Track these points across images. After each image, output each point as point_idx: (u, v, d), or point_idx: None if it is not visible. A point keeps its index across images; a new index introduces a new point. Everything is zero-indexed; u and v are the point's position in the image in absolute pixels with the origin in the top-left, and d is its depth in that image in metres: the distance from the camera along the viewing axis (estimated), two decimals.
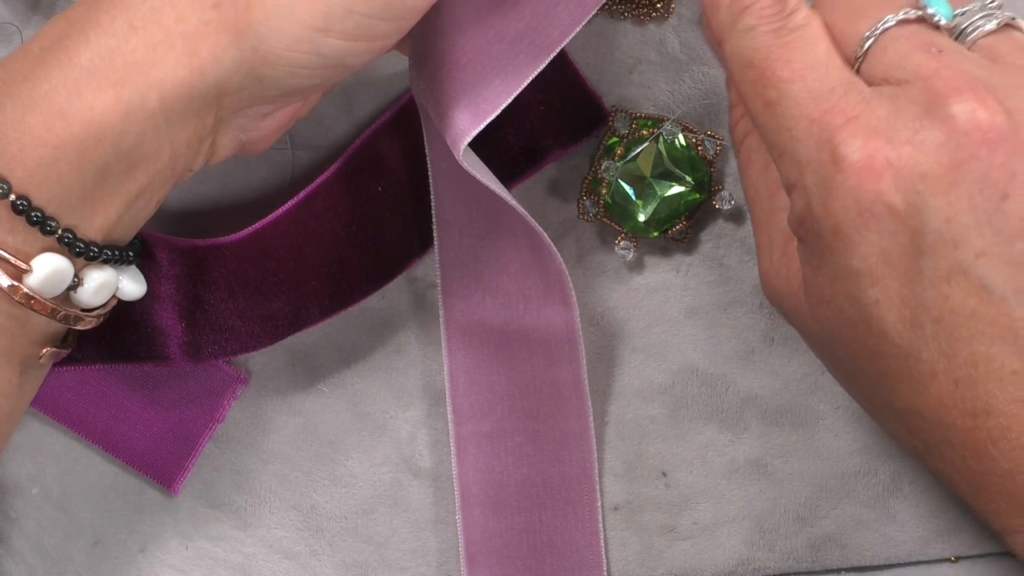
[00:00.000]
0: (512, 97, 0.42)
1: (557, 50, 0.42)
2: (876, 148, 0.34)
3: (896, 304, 0.34)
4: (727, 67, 0.38)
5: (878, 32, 0.36)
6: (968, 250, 0.33)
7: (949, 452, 0.35)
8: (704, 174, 0.49)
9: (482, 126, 0.42)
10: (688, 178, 0.49)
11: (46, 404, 0.50)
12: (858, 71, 0.36)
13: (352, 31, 0.38)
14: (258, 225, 0.48)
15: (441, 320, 0.50)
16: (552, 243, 0.46)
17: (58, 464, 0.51)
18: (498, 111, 0.42)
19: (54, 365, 0.46)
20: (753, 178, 0.41)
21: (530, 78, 0.42)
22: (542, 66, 0.42)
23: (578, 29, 0.42)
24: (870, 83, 0.36)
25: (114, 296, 0.41)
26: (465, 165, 0.42)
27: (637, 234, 0.50)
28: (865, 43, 0.36)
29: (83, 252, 0.38)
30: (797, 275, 0.38)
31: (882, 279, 0.34)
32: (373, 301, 0.50)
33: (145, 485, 0.52)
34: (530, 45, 0.42)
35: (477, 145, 0.43)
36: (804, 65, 0.36)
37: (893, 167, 0.34)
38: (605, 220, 0.50)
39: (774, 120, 0.36)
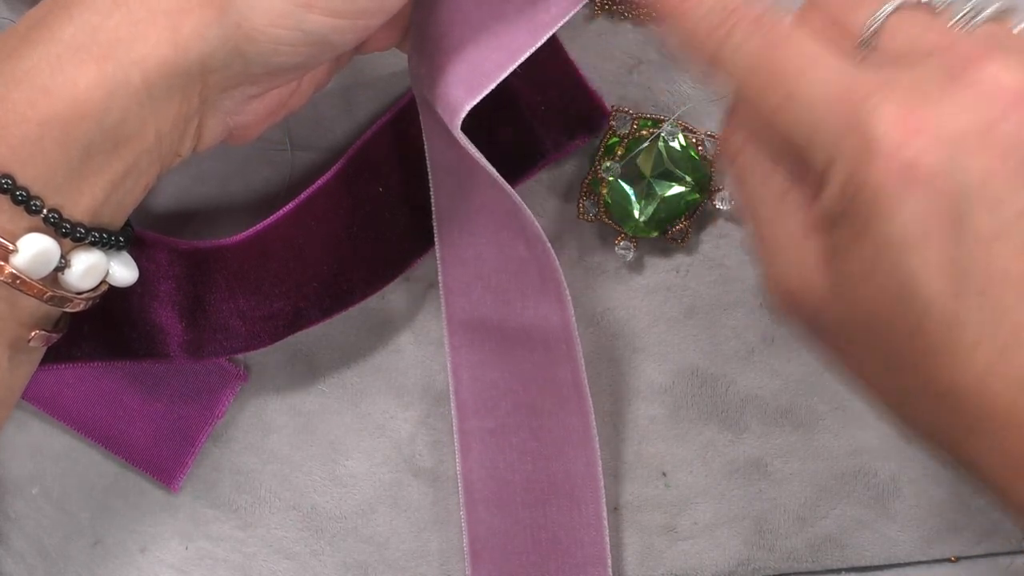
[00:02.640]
0: (510, 70, 0.42)
1: (556, 27, 0.42)
2: (906, 114, 0.34)
3: (938, 272, 0.34)
4: (732, 83, 0.38)
5: (882, 18, 0.36)
6: (1008, 210, 0.33)
7: (991, 432, 0.35)
8: (704, 174, 0.49)
9: (479, 98, 0.42)
10: (688, 178, 0.49)
11: (45, 402, 0.50)
12: (864, 60, 0.36)
13: (335, 7, 0.38)
14: (259, 226, 0.48)
15: (443, 317, 0.50)
16: (547, 240, 0.46)
17: (58, 464, 0.51)
18: (494, 83, 0.42)
19: (52, 363, 0.46)
20: (754, 187, 0.40)
21: (529, 51, 0.42)
22: (540, 42, 0.42)
23: (578, 7, 0.42)
24: (881, 67, 0.36)
25: (105, 282, 0.41)
26: (462, 139, 0.42)
27: (637, 234, 0.50)
28: (869, 28, 0.36)
29: (69, 233, 0.38)
30: (815, 271, 0.37)
31: (923, 246, 0.34)
32: (373, 301, 0.50)
33: (145, 485, 0.52)
34: (528, 22, 0.42)
35: (477, 145, 0.43)
36: (807, 59, 0.36)
37: (926, 131, 0.33)
38: (605, 220, 0.50)
39: (791, 115, 0.36)
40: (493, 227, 0.48)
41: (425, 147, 0.47)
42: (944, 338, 0.34)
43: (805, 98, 0.35)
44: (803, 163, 0.37)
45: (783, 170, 0.38)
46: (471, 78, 0.42)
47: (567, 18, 0.42)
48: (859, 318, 0.36)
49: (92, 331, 0.47)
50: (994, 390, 0.34)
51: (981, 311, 0.33)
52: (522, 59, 0.42)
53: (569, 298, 0.48)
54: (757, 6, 0.37)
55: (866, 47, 0.36)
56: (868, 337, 0.36)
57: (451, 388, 0.50)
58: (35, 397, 0.50)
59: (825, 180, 0.36)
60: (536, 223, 0.45)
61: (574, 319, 0.48)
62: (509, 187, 0.44)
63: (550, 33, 0.42)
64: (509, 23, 0.42)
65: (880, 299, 0.35)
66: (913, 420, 0.38)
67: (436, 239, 0.49)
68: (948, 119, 0.34)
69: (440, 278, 0.49)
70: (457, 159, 0.45)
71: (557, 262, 0.47)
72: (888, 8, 0.36)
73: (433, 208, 0.48)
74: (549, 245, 0.46)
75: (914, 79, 0.34)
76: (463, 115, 0.42)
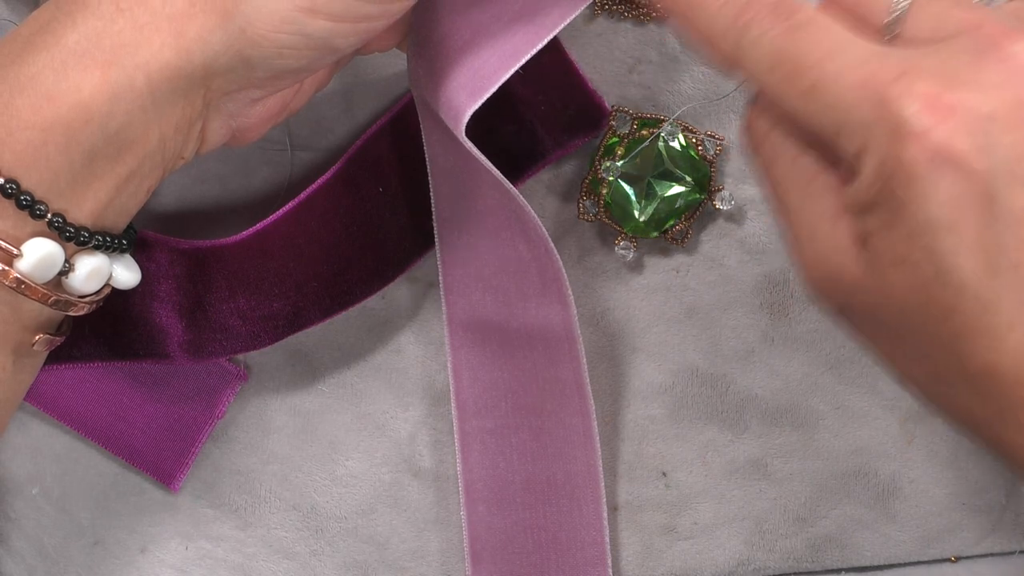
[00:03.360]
0: (510, 73, 0.42)
1: (557, 30, 0.42)
2: (936, 95, 0.33)
3: (973, 252, 0.34)
4: (753, 82, 0.38)
5: (906, 3, 0.36)
6: None
7: None
8: (704, 174, 0.49)
9: (480, 101, 0.42)
10: (688, 178, 0.49)
11: (45, 402, 0.50)
12: (889, 44, 0.36)
13: (339, 12, 0.38)
14: (259, 226, 0.48)
15: (444, 317, 0.50)
16: (550, 241, 0.46)
17: (58, 464, 0.51)
18: (495, 86, 0.42)
19: (53, 363, 0.46)
20: (783, 172, 0.40)
21: (529, 55, 0.42)
22: (541, 44, 0.42)
23: (579, 11, 0.42)
24: (907, 50, 0.36)
25: (108, 284, 0.41)
26: (466, 143, 0.42)
27: (637, 234, 0.50)
28: (895, 12, 0.36)
29: (73, 237, 0.38)
30: (848, 255, 0.37)
31: (958, 226, 0.34)
32: (373, 301, 0.50)
33: (145, 485, 0.52)
34: (528, 25, 0.42)
35: (477, 145, 0.43)
36: (831, 44, 0.35)
37: (957, 110, 0.33)
38: (605, 220, 0.50)
39: (819, 102, 0.35)
40: (494, 228, 0.48)
41: (425, 149, 0.47)
42: (978, 320, 0.34)
43: (832, 85, 0.35)
44: (832, 149, 0.36)
45: (811, 155, 0.38)
46: (472, 83, 0.42)
47: (567, 22, 0.42)
48: (893, 302, 0.36)
49: (93, 331, 0.47)
50: None
51: (1016, 292, 0.33)
52: (522, 63, 0.42)
53: (571, 298, 0.48)
54: None
55: (891, 33, 0.36)
56: (901, 321, 0.36)
57: (451, 388, 0.50)
58: (35, 397, 0.50)
59: (857, 166, 0.35)
60: (540, 224, 0.45)
61: (576, 320, 0.48)
62: (514, 189, 0.44)
63: (550, 37, 0.42)
64: (509, 27, 0.42)
65: (914, 282, 0.35)
66: (946, 404, 0.37)
67: (436, 240, 0.49)
68: (978, 99, 0.33)
69: (440, 279, 0.49)
70: (458, 160, 0.45)
71: (560, 262, 0.47)
72: None
73: (433, 209, 0.48)
74: (552, 245, 0.46)
75: (942, 60, 0.34)
76: (466, 120, 0.42)
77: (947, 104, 0.33)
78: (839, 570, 0.52)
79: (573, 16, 0.42)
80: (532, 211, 0.45)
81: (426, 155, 0.47)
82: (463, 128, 0.42)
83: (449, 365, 0.50)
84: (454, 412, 0.50)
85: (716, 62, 0.38)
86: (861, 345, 0.39)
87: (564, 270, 0.47)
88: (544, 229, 0.46)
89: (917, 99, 0.34)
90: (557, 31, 0.42)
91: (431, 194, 0.48)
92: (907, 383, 0.38)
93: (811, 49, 0.35)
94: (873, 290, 0.36)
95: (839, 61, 0.35)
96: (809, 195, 0.38)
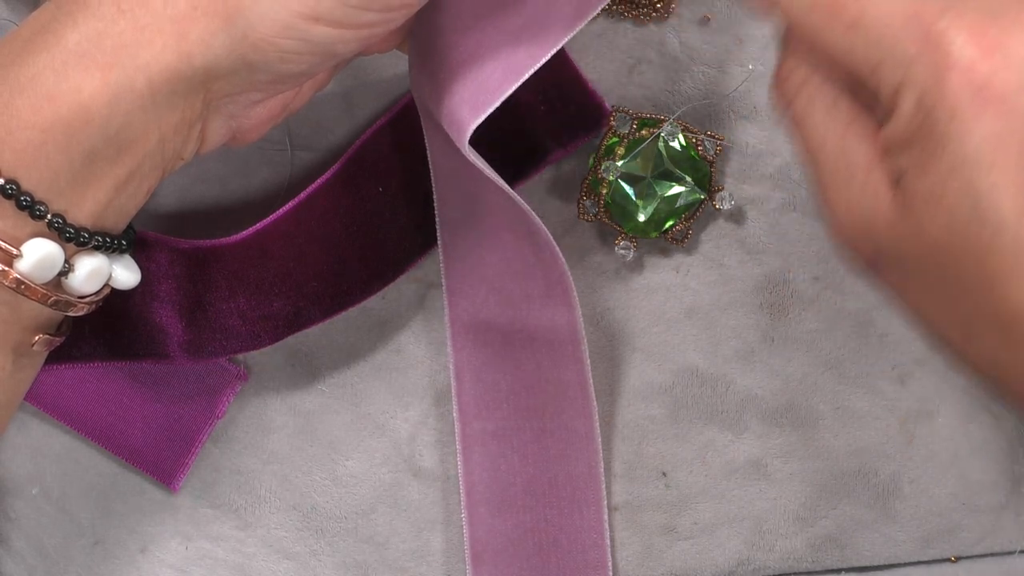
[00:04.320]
0: (513, 88, 0.42)
1: (560, 44, 0.42)
2: (983, 29, 0.33)
3: (1012, 191, 0.33)
4: (790, 22, 0.38)
5: None
6: None
7: None
8: (704, 174, 0.49)
9: (483, 117, 0.42)
10: (688, 178, 0.49)
11: (45, 402, 0.50)
12: None
13: (341, 19, 0.38)
14: (259, 225, 0.48)
15: (446, 319, 0.50)
16: (556, 245, 0.46)
17: (58, 464, 0.51)
18: (499, 102, 0.42)
19: (53, 363, 0.46)
20: (818, 122, 0.39)
21: (532, 69, 0.42)
22: (544, 59, 0.42)
23: (581, 25, 0.42)
24: None
25: (108, 285, 0.41)
26: (470, 156, 0.42)
27: (637, 234, 0.50)
28: None
29: (73, 237, 0.38)
30: (883, 199, 0.37)
31: (999, 164, 0.33)
32: (373, 301, 0.50)
33: (145, 485, 0.52)
34: (532, 39, 0.42)
35: (477, 146, 0.43)
36: None
37: (1000, 50, 0.33)
38: (605, 220, 0.50)
39: (862, 36, 0.35)
40: (498, 231, 0.48)
41: (428, 153, 0.47)
42: (1015, 261, 0.33)
43: (872, 22, 0.35)
44: (868, 91, 0.36)
45: (847, 101, 0.38)
46: (476, 97, 0.42)
47: (569, 37, 0.42)
48: (927, 244, 0.35)
49: (92, 331, 0.47)
50: None
51: None
52: (526, 77, 0.42)
53: (577, 300, 0.48)
54: None
55: None
56: (934, 264, 0.35)
57: (453, 390, 0.50)
58: (35, 397, 0.50)
59: (896, 102, 0.35)
60: (544, 228, 0.45)
61: (582, 321, 0.48)
62: (516, 196, 0.44)
63: (554, 51, 0.42)
64: (512, 41, 0.42)
65: (950, 222, 0.34)
66: (975, 355, 0.37)
67: (439, 242, 0.49)
68: (1021, 39, 0.33)
69: (443, 281, 0.49)
70: (460, 166, 0.45)
71: (565, 265, 0.47)
72: None
73: (436, 212, 0.48)
74: (557, 248, 0.46)
75: (983, 1, 0.34)
76: (469, 134, 0.42)
77: (993, 40, 0.33)
78: (839, 570, 0.52)
79: (576, 31, 0.42)
80: (536, 217, 0.45)
81: (429, 159, 0.47)
82: (467, 141, 0.42)
83: (451, 367, 0.50)
84: (456, 414, 0.50)
85: (753, 4, 0.38)
86: (890, 298, 0.38)
87: (569, 273, 0.47)
88: (549, 233, 0.46)
89: (962, 35, 0.33)
90: (560, 46, 0.42)
91: (434, 197, 0.48)
92: (935, 334, 0.38)
93: None
94: (907, 233, 0.36)
95: None
96: (846, 141, 0.38)
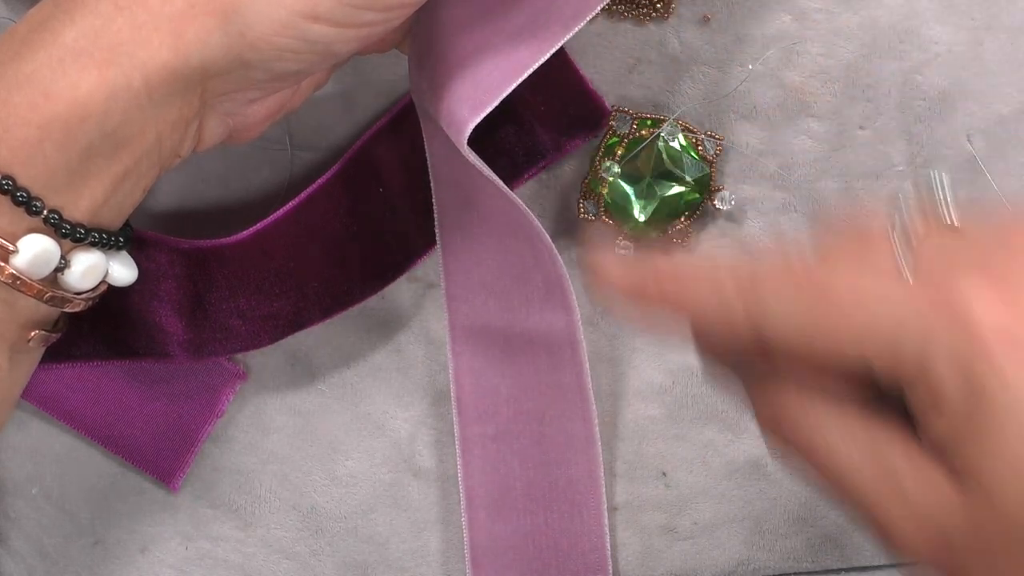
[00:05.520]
0: (512, 87, 0.42)
1: (560, 44, 0.42)
2: (992, 292, 0.32)
3: None
4: (769, 345, 0.35)
5: (907, 254, 0.34)
6: None
7: None
8: (704, 174, 0.49)
9: (482, 115, 0.42)
10: (688, 178, 0.49)
11: (45, 402, 0.50)
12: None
13: (340, 18, 0.38)
14: (259, 225, 0.48)
15: (446, 323, 0.50)
16: (554, 248, 0.46)
17: (58, 464, 0.51)
18: (498, 100, 0.42)
19: (52, 362, 0.46)
20: (837, 444, 0.36)
21: (531, 69, 0.42)
22: (544, 58, 0.42)
23: (581, 25, 0.42)
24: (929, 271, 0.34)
25: (105, 282, 0.41)
26: (469, 156, 0.42)
27: (637, 234, 0.50)
28: (901, 258, 0.35)
29: (69, 233, 0.38)
30: (946, 493, 0.34)
31: None
32: (373, 301, 0.50)
33: (145, 485, 0.52)
34: (531, 38, 0.42)
35: (477, 145, 0.43)
36: (860, 289, 0.34)
37: (1018, 302, 0.32)
38: (605, 220, 0.50)
39: (868, 351, 0.33)
40: (497, 234, 0.48)
41: (427, 155, 0.47)
42: None
43: (877, 326, 0.33)
44: (860, 382, 0.34)
45: (850, 405, 0.35)
46: (474, 96, 0.42)
47: (569, 36, 0.42)
48: (1011, 520, 0.32)
49: (92, 330, 0.47)
50: None
51: None
52: (525, 76, 0.42)
53: (576, 304, 0.48)
54: (769, 263, 0.35)
55: (904, 269, 0.35)
56: (1018, 547, 0.32)
57: (453, 394, 0.50)
58: (35, 397, 0.50)
59: (935, 394, 0.33)
60: (543, 231, 0.45)
61: (580, 325, 0.48)
62: (515, 197, 0.44)
63: (552, 51, 0.42)
64: (511, 41, 0.42)
65: None
66: None
67: (439, 245, 0.49)
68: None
69: (443, 284, 0.49)
70: (460, 168, 0.45)
71: (564, 268, 0.47)
72: (903, 240, 0.34)
73: (436, 214, 0.48)
74: (556, 252, 0.46)
75: (971, 263, 0.33)
76: (468, 133, 0.42)
77: (1008, 298, 0.32)
78: (839, 570, 0.52)
79: (575, 30, 0.42)
80: (536, 220, 0.45)
81: (428, 162, 0.47)
82: (465, 140, 0.42)
83: (451, 370, 0.50)
84: (455, 417, 0.50)
85: (729, 347, 0.36)
86: None
87: (568, 276, 0.47)
88: (548, 236, 0.46)
89: (978, 300, 0.32)
90: (559, 45, 0.42)
91: (433, 200, 0.48)
92: None
93: (842, 301, 0.34)
94: (985, 518, 0.33)
95: (877, 299, 0.33)
96: (875, 450, 0.35)
